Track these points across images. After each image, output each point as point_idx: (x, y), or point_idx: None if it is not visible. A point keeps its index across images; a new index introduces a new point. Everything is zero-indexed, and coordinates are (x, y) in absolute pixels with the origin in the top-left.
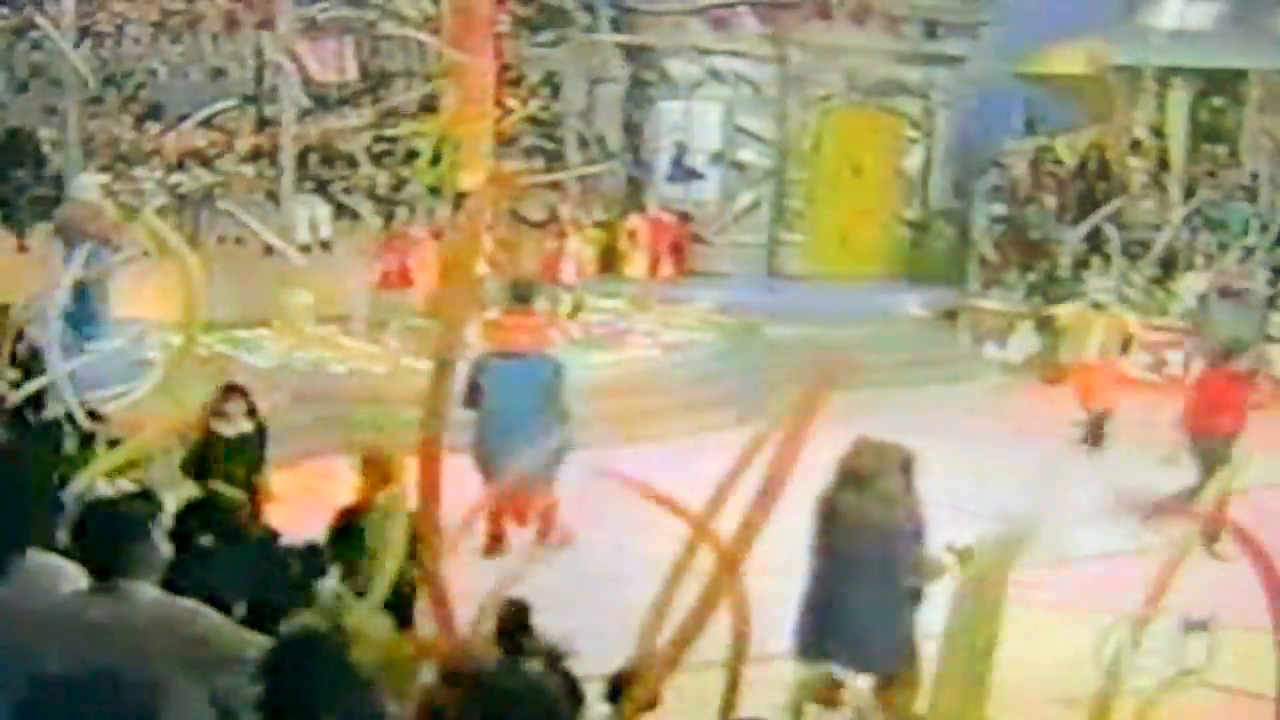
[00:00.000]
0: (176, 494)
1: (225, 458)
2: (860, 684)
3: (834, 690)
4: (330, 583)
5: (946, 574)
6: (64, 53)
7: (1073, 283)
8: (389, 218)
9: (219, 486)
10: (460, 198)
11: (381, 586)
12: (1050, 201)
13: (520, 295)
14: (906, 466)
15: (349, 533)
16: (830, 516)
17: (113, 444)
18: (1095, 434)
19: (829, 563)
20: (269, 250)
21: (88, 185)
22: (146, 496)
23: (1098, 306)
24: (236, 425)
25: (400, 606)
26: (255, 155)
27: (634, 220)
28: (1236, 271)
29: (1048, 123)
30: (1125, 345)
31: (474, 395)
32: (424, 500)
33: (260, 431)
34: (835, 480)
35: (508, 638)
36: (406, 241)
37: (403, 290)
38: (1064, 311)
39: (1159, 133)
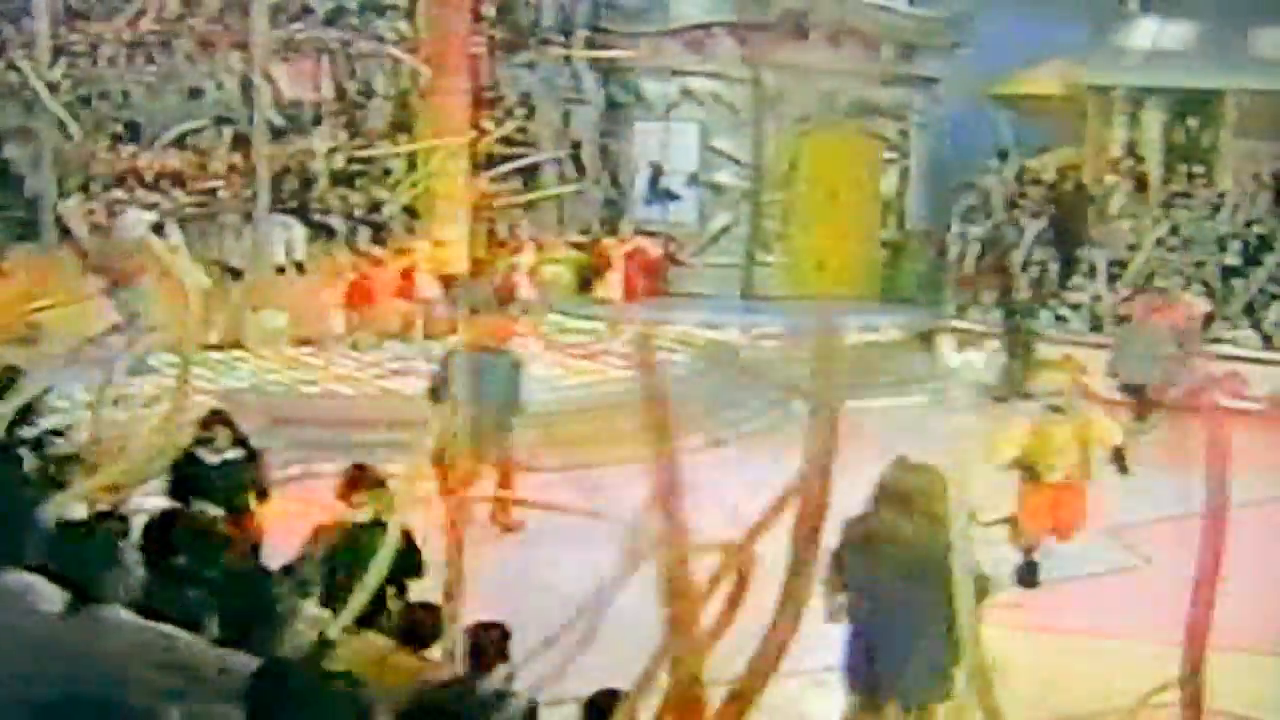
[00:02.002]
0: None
1: (211, 485)
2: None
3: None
4: (310, 605)
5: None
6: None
7: (1032, 306)
8: (366, 238)
9: (201, 506)
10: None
11: (359, 602)
12: (1027, 222)
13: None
14: (944, 490)
15: (333, 551)
16: (869, 542)
17: (76, 463)
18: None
19: (870, 591)
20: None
21: (135, 223)
22: (116, 517)
23: (1056, 410)
24: (221, 452)
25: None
26: (230, 176)
27: (608, 244)
28: (1156, 297)
29: (1023, 143)
30: (1118, 459)
31: (438, 391)
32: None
33: (250, 458)
34: (874, 504)
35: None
36: (372, 262)
37: (367, 309)
38: (1017, 426)
39: (1134, 153)
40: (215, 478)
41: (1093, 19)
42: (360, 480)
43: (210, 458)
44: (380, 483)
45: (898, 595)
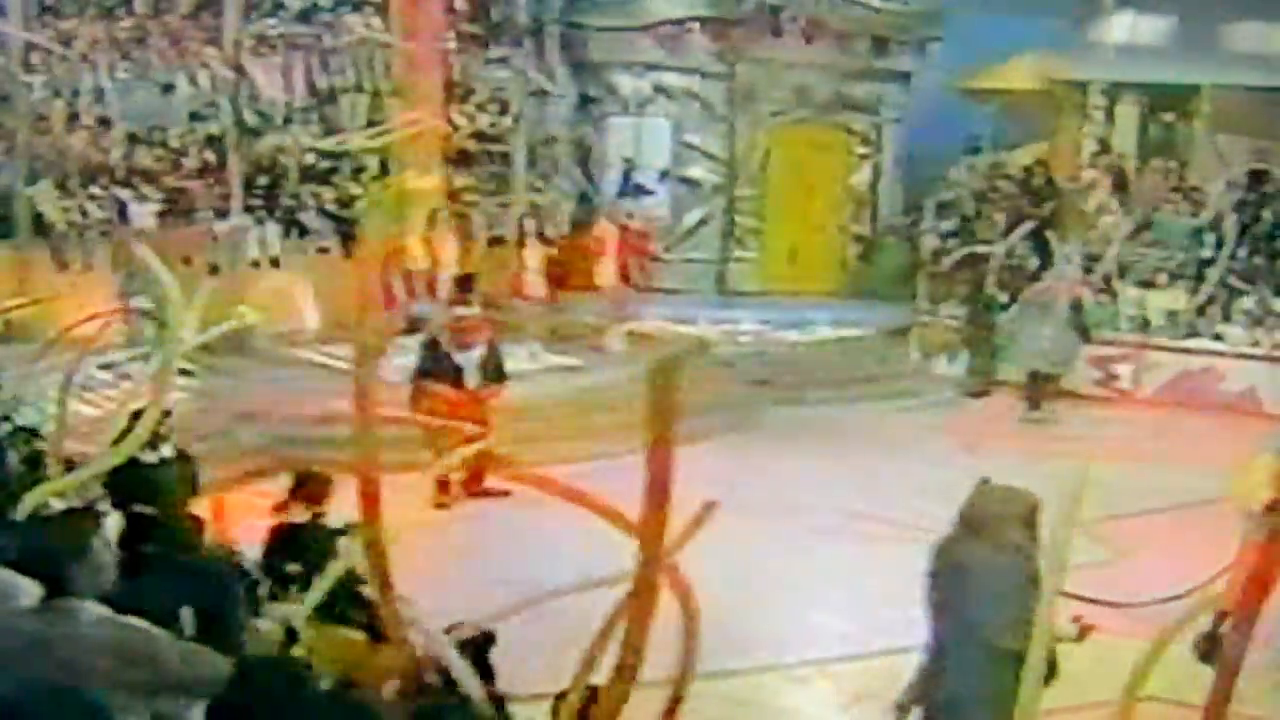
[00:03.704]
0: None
1: (146, 483)
2: None
3: None
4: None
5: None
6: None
7: (995, 300)
8: (344, 236)
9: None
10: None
11: (315, 598)
12: (999, 217)
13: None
14: (1031, 515)
15: (293, 549)
16: (945, 567)
17: (65, 463)
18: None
19: (939, 617)
20: (215, 269)
21: (142, 214)
22: (90, 512)
23: None
24: (156, 450)
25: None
26: (204, 172)
27: (602, 228)
28: (1058, 281)
29: (997, 138)
30: None
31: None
32: (366, 518)
33: (183, 456)
34: (955, 528)
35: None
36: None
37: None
38: (1264, 463)
39: (1109, 148)
40: (150, 476)
41: (1068, 13)
42: (308, 484)
43: (146, 456)
44: (328, 486)
45: (965, 622)
